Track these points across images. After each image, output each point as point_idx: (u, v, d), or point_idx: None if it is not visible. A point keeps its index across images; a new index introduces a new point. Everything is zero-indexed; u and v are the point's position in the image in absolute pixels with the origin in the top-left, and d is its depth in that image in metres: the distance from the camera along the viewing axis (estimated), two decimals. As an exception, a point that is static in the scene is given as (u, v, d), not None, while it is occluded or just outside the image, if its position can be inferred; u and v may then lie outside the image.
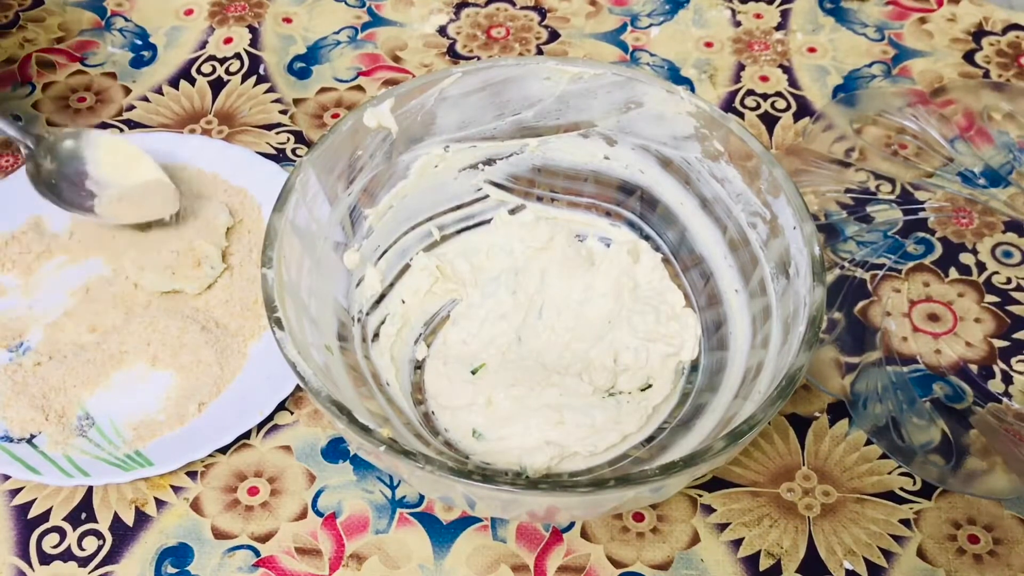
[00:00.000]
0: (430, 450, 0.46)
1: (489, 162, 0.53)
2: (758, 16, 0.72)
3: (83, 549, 0.47)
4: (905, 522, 0.48)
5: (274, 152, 0.63)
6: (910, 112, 0.64)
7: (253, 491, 0.49)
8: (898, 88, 0.66)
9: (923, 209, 0.59)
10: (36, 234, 0.57)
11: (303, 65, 0.69)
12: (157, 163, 0.58)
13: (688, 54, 0.69)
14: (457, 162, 0.52)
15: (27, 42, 0.71)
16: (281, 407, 0.52)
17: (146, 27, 0.72)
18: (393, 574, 0.46)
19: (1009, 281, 0.56)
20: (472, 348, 0.52)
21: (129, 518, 0.48)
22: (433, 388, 0.50)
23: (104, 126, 0.65)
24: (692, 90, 0.66)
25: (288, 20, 0.72)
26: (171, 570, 0.47)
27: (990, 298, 0.55)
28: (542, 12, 0.72)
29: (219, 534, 0.48)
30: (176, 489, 0.49)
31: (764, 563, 0.46)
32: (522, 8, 0.73)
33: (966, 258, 0.57)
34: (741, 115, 0.65)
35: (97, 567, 0.47)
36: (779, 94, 0.66)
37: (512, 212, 0.55)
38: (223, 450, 0.50)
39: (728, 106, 0.66)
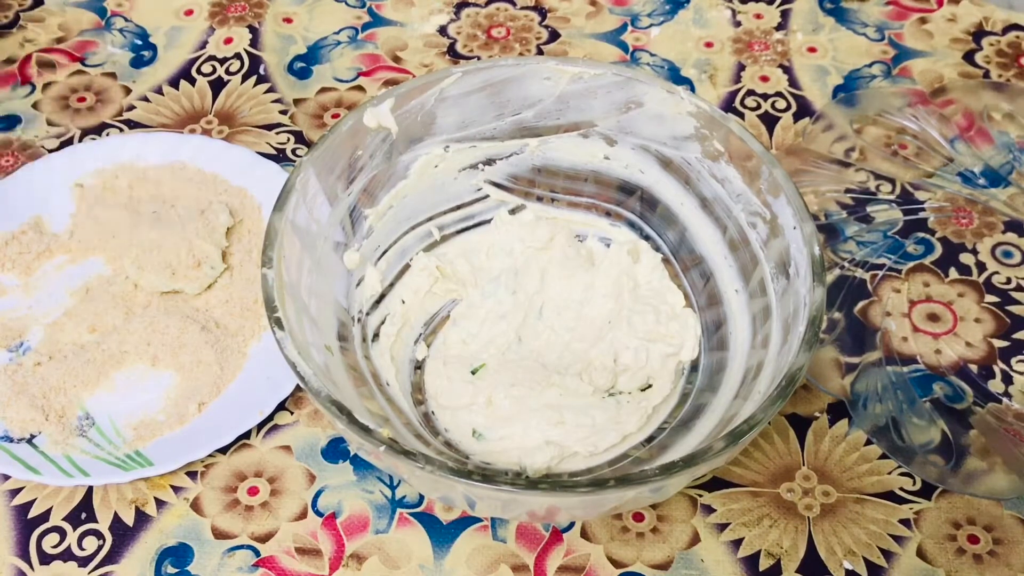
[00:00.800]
0: (430, 450, 0.46)
1: (489, 162, 0.53)
2: (758, 16, 0.72)
3: (83, 549, 0.47)
4: (905, 522, 0.48)
5: (274, 152, 0.63)
6: (910, 112, 0.64)
7: (253, 491, 0.49)
8: (898, 88, 0.66)
9: (923, 209, 0.59)
10: (36, 234, 0.57)
11: (303, 65, 0.69)
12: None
13: (688, 54, 0.69)
14: (457, 162, 0.52)
15: (27, 42, 0.71)
16: (281, 407, 0.52)
17: (146, 27, 0.72)
18: (393, 574, 0.46)
19: (1009, 281, 0.56)
20: (472, 348, 0.52)
21: (129, 518, 0.48)
22: (433, 388, 0.50)
23: (104, 126, 0.65)
24: (692, 90, 0.66)
25: (288, 20, 0.72)
26: (171, 570, 0.47)
27: (990, 298, 0.55)
28: (542, 12, 0.72)
29: (219, 534, 0.48)
30: (176, 489, 0.49)
31: (764, 563, 0.46)
32: (522, 8, 0.73)
33: (966, 258, 0.57)
34: (741, 115, 0.65)
35: (97, 567, 0.47)
36: (779, 94, 0.66)
37: (512, 212, 0.55)
38: (223, 450, 0.50)
39: (728, 106, 0.66)
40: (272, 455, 0.50)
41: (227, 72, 0.68)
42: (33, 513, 0.48)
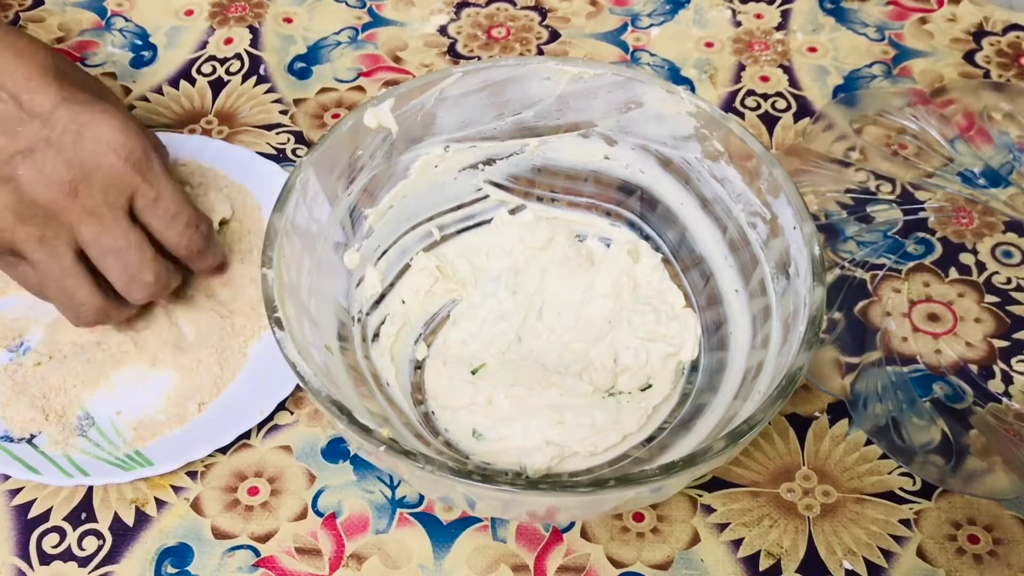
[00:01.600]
0: (430, 450, 0.46)
1: (489, 162, 0.53)
2: (758, 16, 0.72)
3: (83, 549, 0.47)
4: (905, 522, 0.48)
5: (274, 152, 0.63)
6: (910, 112, 0.64)
7: (253, 491, 0.49)
8: (898, 88, 0.66)
9: (923, 209, 0.59)
10: (36, 234, 0.57)
11: (303, 65, 0.69)
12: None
13: (688, 54, 0.69)
14: (457, 162, 0.52)
15: (27, 42, 0.71)
16: (281, 407, 0.52)
17: (146, 27, 0.72)
18: (393, 574, 0.46)
19: (1009, 281, 0.56)
20: (472, 348, 0.52)
21: (129, 518, 0.48)
22: (433, 388, 0.50)
23: (104, 126, 0.65)
24: (692, 90, 0.66)
25: (288, 20, 0.72)
26: (171, 570, 0.47)
27: (990, 298, 0.55)
28: (543, 12, 0.72)
29: (219, 534, 0.48)
30: (176, 489, 0.49)
31: (764, 563, 0.46)
32: (523, 8, 0.73)
33: (966, 258, 0.57)
34: (741, 115, 0.65)
35: (97, 567, 0.47)
36: (779, 94, 0.66)
37: (512, 212, 0.55)
38: (223, 450, 0.50)
39: (728, 106, 0.66)
40: (272, 455, 0.50)
41: (227, 72, 0.68)
42: (33, 513, 0.48)
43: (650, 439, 0.48)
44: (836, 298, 0.55)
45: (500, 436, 0.48)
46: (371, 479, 0.49)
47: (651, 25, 0.71)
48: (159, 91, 0.67)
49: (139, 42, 0.71)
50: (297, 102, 0.66)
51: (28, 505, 0.49)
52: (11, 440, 0.50)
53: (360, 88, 0.67)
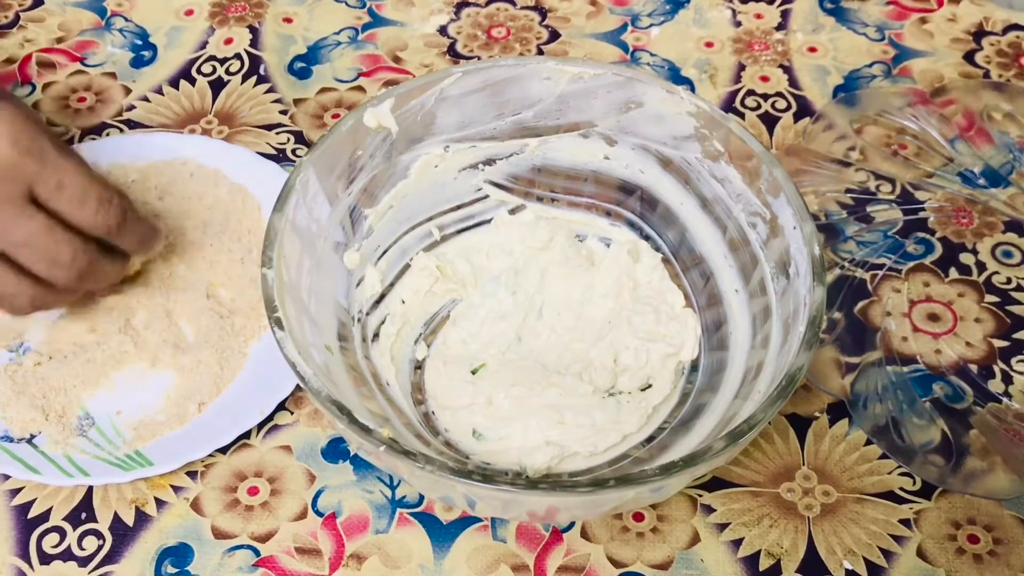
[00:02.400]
0: (430, 450, 0.46)
1: (489, 162, 0.53)
2: (758, 16, 0.72)
3: (83, 549, 0.47)
4: (905, 522, 0.48)
5: (274, 152, 0.63)
6: (910, 112, 0.64)
7: (253, 491, 0.49)
8: (898, 88, 0.66)
9: (923, 209, 0.59)
10: (36, 234, 0.57)
11: (303, 65, 0.69)
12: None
13: (688, 54, 0.69)
14: (457, 162, 0.52)
15: (27, 42, 0.71)
16: (281, 407, 0.52)
17: (146, 27, 0.72)
18: (393, 574, 0.46)
19: (1009, 281, 0.56)
20: (472, 348, 0.52)
21: (129, 518, 0.48)
22: (433, 388, 0.50)
23: (104, 126, 0.65)
24: (692, 90, 0.66)
25: (288, 20, 0.72)
26: (171, 570, 0.47)
27: (990, 298, 0.55)
28: (542, 12, 0.72)
29: (219, 534, 0.48)
30: (176, 489, 0.49)
31: (764, 563, 0.46)
32: (523, 8, 0.73)
33: (966, 258, 0.57)
34: (741, 115, 0.65)
35: (97, 567, 0.47)
36: (779, 94, 0.66)
37: (512, 212, 0.55)
38: (223, 450, 0.50)
39: (728, 106, 0.66)
40: (272, 455, 0.50)
41: (227, 72, 0.68)
42: (33, 513, 0.48)
43: (650, 439, 0.48)
44: (836, 298, 0.55)
45: (500, 436, 0.48)
46: (371, 479, 0.49)
47: (651, 25, 0.71)
48: (159, 91, 0.67)
49: (139, 42, 0.71)
50: (297, 102, 0.66)
51: (28, 505, 0.49)
52: (11, 440, 0.50)
53: (360, 88, 0.67)
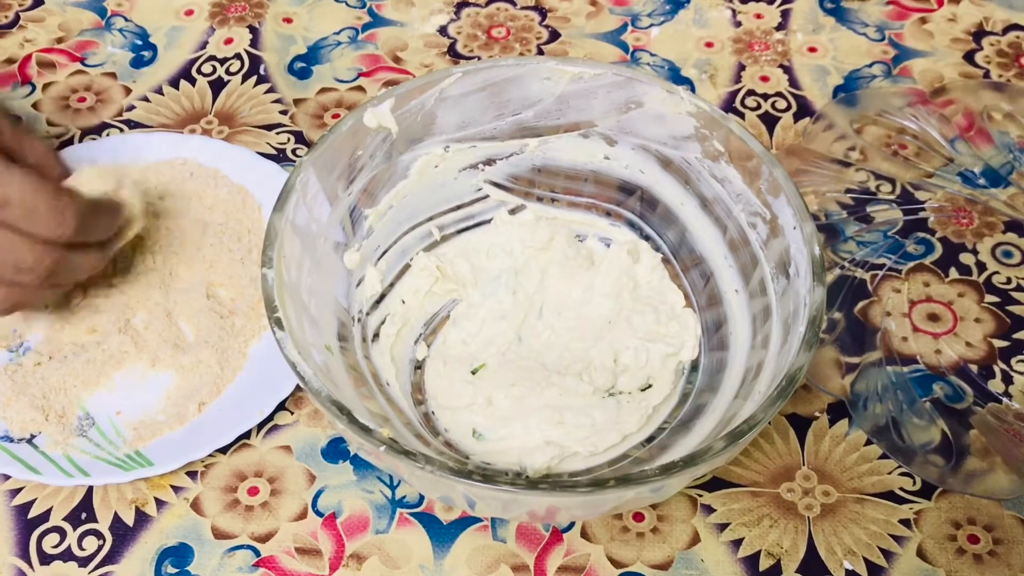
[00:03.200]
0: (430, 450, 0.46)
1: (489, 162, 0.53)
2: (758, 16, 0.72)
3: (83, 549, 0.47)
4: (905, 522, 0.48)
5: (274, 152, 0.63)
6: (910, 112, 0.64)
7: (253, 491, 0.49)
8: (898, 88, 0.66)
9: (923, 209, 0.59)
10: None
11: (303, 65, 0.69)
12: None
13: (688, 54, 0.69)
14: (457, 162, 0.52)
15: (27, 42, 0.71)
16: (281, 407, 0.52)
17: (146, 27, 0.72)
18: (393, 574, 0.46)
19: (1009, 281, 0.56)
20: (472, 348, 0.52)
21: (129, 518, 0.48)
22: (433, 388, 0.50)
23: (104, 126, 0.65)
24: (692, 90, 0.66)
25: (288, 20, 0.72)
26: (171, 570, 0.47)
27: (990, 298, 0.55)
28: (543, 12, 0.72)
29: (219, 534, 0.48)
30: (176, 489, 0.49)
31: (764, 563, 0.46)
32: (523, 8, 0.73)
33: (966, 258, 0.57)
34: (741, 115, 0.65)
35: (97, 567, 0.47)
36: (779, 94, 0.66)
37: (512, 212, 0.55)
38: (223, 450, 0.50)
39: (728, 106, 0.66)
40: (272, 455, 0.50)
41: (227, 72, 0.68)
42: (33, 513, 0.48)
43: (650, 439, 0.48)
44: (836, 298, 0.55)
45: (500, 436, 0.48)
46: (371, 479, 0.49)
47: (651, 25, 0.71)
48: (159, 91, 0.67)
49: (139, 42, 0.71)
50: (297, 102, 0.66)
51: (28, 505, 0.49)
52: (11, 440, 0.50)
53: (360, 88, 0.67)
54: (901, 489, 0.49)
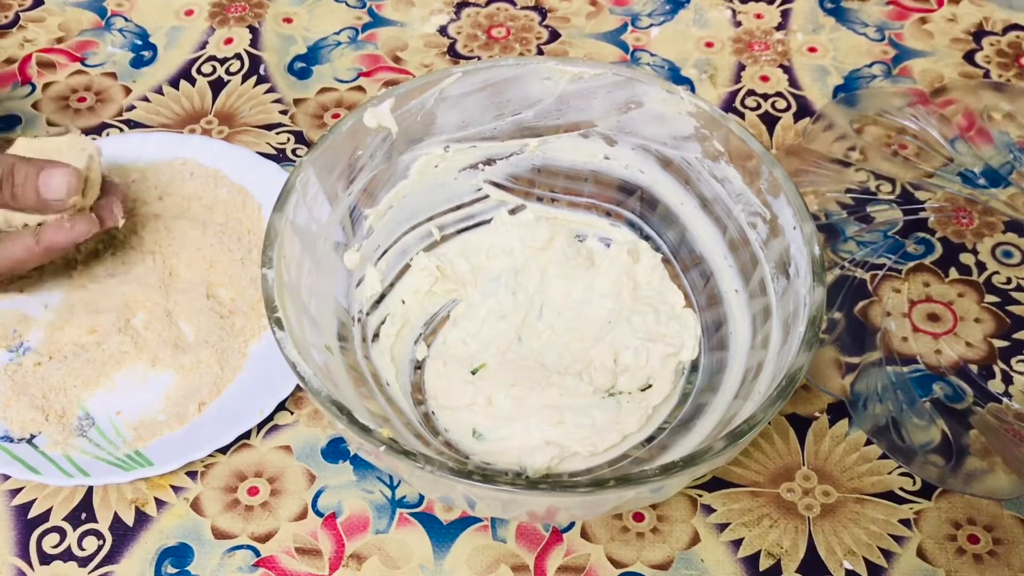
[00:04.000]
0: (430, 450, 0.46)
1: (489, 162, 0.53)
2: (758, 16, 0.72)
3: (83, 549, 0.47)
4: (905, 522, 0.48)
5: (274, 152, 0.63)
6: (910, 112, 0.64)
7: (253, 491, 0.49)
8: (898, 88, 0.66)
9: (923, 209, 0.59)
10: (36, 234, 0.57)
11: (303, 65, 0.69)
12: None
13: (688, 54, 0.69)
14: (457, 162, 0.52)
15: (27, 42, 0.71)
16: (281, 407, 0.52)
17: (146, 27, 0.72)
18: (393, 574, 0.46)
19: (1009, 281, 0.56)
20: (472, 348, 0.52)
21: (129, 518, 0.48)
22: (433, 388, 0.50)
23: (104, 126, 0.65)
24: (692, 90, 0.66)
25: (288, 20, 0.72)
26: (171, 570, 0.47)
27: (990, 298, 0.55)
28: (542, 12, 0.72)
29: (219, 534, 0.48)
30: (176, 489, 0.49)
31: (764, 563, 0.46)
32: (523, 8, 0.73)
33: (966, 258, 0.57)
34: (741, 115, 0.65)
35: (97, 567, 0.47)
36: (779, 94, 0.66)
37: (512, 212, 0.55)
38: (223, 450, 0.50)
39: (728, 106, 0.66)
40: (272, 455, 0.50)
41: (227, 72, 0.68)
42: (33, 513, 0.48)
43: (650, 439, 0.48)
44: (836, 298, 0.55)
45: (500, 436, 0.48)
46: (371, 479, 0.49)
47: (651, 25, 0.71)
48: (159, 91, 0.67)
49: (139, 42, 0.71)
50: (297, 102, 0.66)
51: (28, 505, 0.49)
52: (11, 440, 0.50)
53: (360, 88, 0.67)
54: (901, 489, 0.49)
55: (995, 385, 0.52)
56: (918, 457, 0.49)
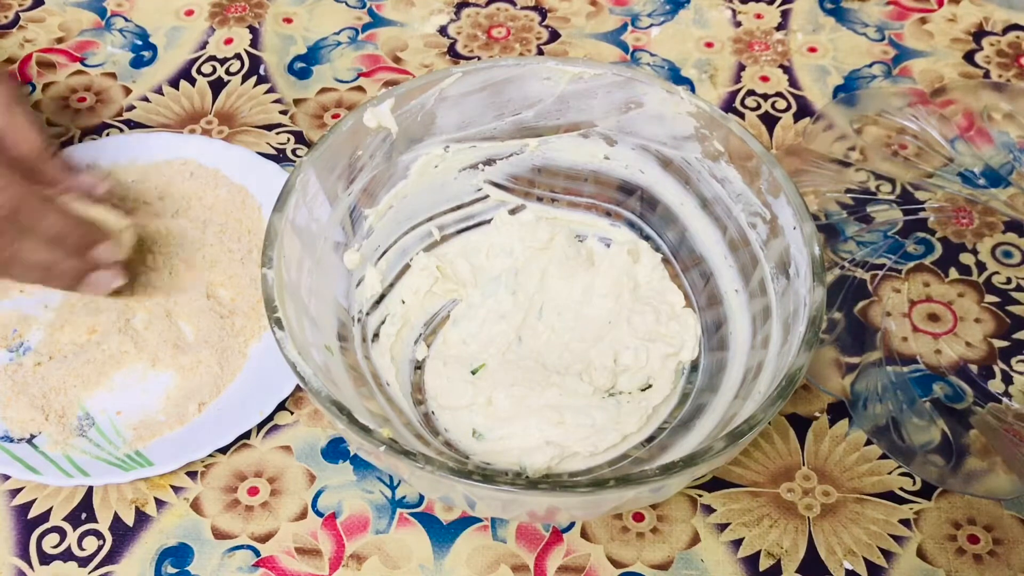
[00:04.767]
0: (430, 450, 0.46)
1: (489, 162, 0.53)
2: (758, 16, 0.72)
3: (83, 549, 0.47)
4: (905, 522, 0.48)
5: (274, 152, 0.63)
6: (910, 112, 0.64)
7: (253, 491, 0.49)
8: (898, 88, 0.66)
9: (923, 209, 0.59)
10: (36, 234, 0.57)
11: (303, 65, 0.69)
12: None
13: (688, 54, 0.69)
14: (457, 162, 0.52)
15: (27, 42, 0.71)
16: (281, 407, 0.52)
17: (146, 27, 0.72)
18: (393, 574, 0.46)
19: (1009, 281, 0.56)
20: (472, 348, 0.52)
21: (129, 518, 0.48)
22: (433, 388, 0.50)
23: (104, 126, 0.65)
24: (692, 90, 0.66)
25: (288, 20, 0.72)
26: (171, 570, 0.47)
27: (990, 298, 0.55)
28: (542, 12, 0.72)
29: (219, 534, 0.48)
30: (176, 489, 0.49)
31: (764, 563, 0.46)
32: (523, 8, 0.73)
33: (966, 258, 0.57)
34: (741, 115, 0.65)
35: (97, 567, 0.47)
36: (779, 94, 0.66)
37: (512, 212, 0.55)
38: (223, 450, 0.50)
39: (728, 106, 0.66)
40: (272, 455, 0.50)
41: (227, 72, 0.68)
42: (33, 513, 0.48)
43: (650, 439, 0.48)
44: (836, 298, 0.55)
45: (500, 436, 0.48)
46: (371, 479, 0.49)
47: (651, 25, 0.71)
48: (159, 91, 0.67)
49: (139, 42, 0.71)
50: (297, 102, 0.66)
51: (28, 505, 0.49)
52: (11, 440, 0.50)
53: (360, 88, 0.67)
54: (901, 489, 0.49)
55: (995, 385, 0.52)
56: (918, 457, 0.49)
